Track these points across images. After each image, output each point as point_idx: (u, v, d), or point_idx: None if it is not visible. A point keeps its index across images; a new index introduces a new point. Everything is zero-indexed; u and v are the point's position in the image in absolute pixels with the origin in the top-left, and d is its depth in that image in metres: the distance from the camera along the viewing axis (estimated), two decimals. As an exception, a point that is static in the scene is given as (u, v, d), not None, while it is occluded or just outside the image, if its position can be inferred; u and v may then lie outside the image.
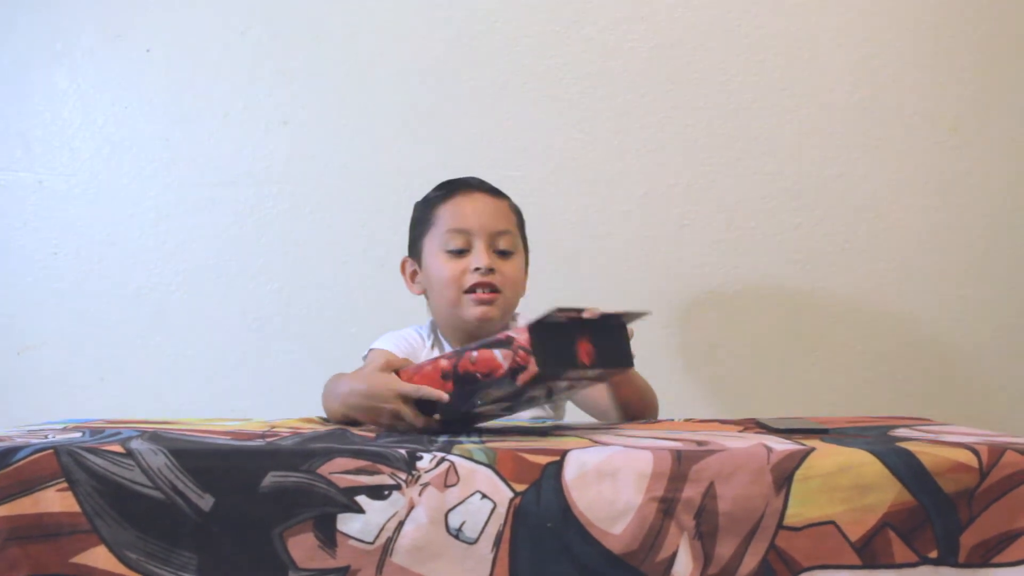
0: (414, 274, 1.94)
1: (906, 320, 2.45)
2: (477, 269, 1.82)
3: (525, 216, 1.99)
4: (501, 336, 1.36)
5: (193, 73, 2.49)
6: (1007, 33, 2.47)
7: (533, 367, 1.33)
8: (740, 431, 1.45)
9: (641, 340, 2.42)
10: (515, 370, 1.34)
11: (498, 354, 1.36)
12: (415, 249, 1.94)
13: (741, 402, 2.41)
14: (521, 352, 1.34)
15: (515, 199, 1.97)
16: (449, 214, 1.89)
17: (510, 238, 1.88)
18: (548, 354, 1.34)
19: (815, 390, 2.45)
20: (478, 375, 1.38)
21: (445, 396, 1.41)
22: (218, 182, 2.47)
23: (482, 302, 1.82)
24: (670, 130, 2.47)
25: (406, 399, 1.44)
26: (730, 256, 2.46)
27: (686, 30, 2.47)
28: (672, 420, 1.76)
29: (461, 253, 1.85)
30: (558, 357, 1.36)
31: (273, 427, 1.49)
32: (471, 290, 1.83)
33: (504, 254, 1.86)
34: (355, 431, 1.45)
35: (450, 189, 1.94)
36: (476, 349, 1.39)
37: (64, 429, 1.44)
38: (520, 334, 1.34)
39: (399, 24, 2.47)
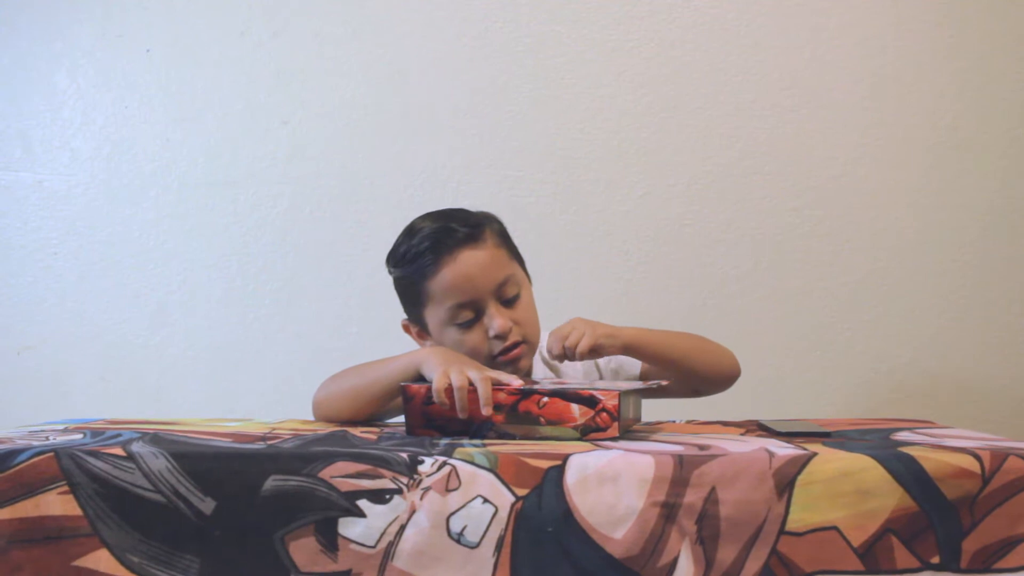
0: (420, 334, 1.77)
1: (906, 320, 2.45)
2: (498, 336, 1.67)
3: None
4: (583, 392, 1.37)
5: (193, 73, 2.49)
6: (1007, 33, 2.47)
7: (614, 431, 1.36)
8: (742, 434, 1.45)
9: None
10: (589, 428, 1.36)
11: (575, 408, 1.37)
12: (415, 318, 1.77)
13: (741, 403, 2.40)
14: (604, 415, 1.36)
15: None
16: (444, 289, 1.68)
17: (512, 281, 1.71)
18: (621, 418, 1.37)
19: (815, 390, 2.45)
20: (541, 419, 1.38)
21: (518, 381, 1.44)
22: (218, 182, 2.48)
23: (511, 360, 1.68)
24: (670, 130, 2.46)
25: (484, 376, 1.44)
26: (730, 256, 2.46)
27: (686, 30, 2.47)
28: (674, 422, 1.76)
29: (472, 323, 1.69)
30: (624, 420, 1.40)
31: (273, 429, 1.49)
32: (497, 352, 1.69)
33: (513, 300, 1.71)
34: (356, 433, 1.45)
35: (433, 257, 1.69)
36: (548, 395, 1.38)
37: (65, 430, 1.44)
38: (608, 398, 1.36)
39: (399, 24, 2.47)
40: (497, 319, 1.67)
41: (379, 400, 1.63)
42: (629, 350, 1.65)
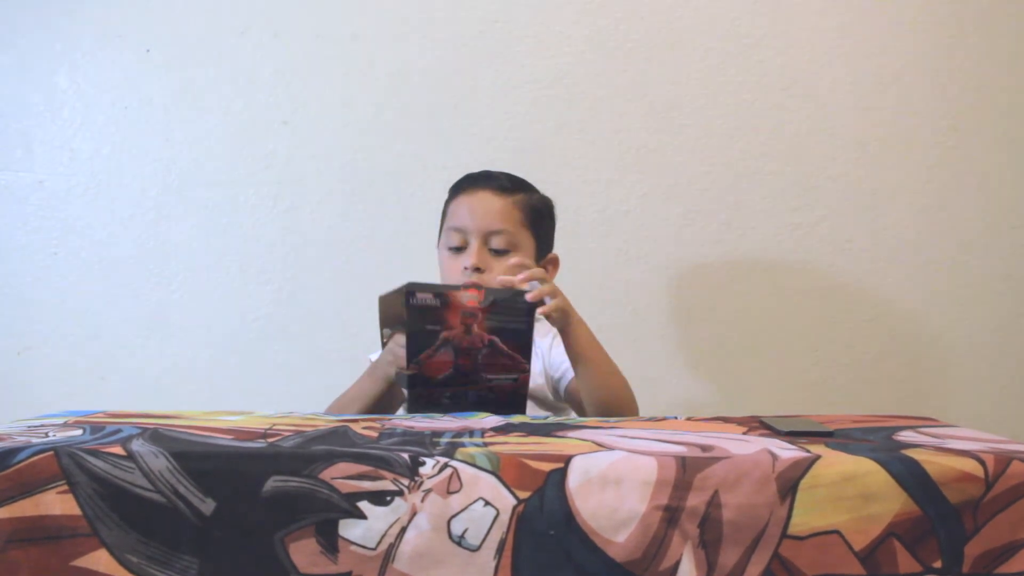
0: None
1: (906, 320, 2.46)
2: (466, 268, 1.91)
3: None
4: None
5: (193, 73, 2.49)
6: (1007, 33, 2.47)
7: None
8: (744, 432, 1.44)
9: (643, 339, 2.44)
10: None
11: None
12: (440, 234, 2.04)
13: (741, 402, 2.41)
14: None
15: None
16: (452, 211, 1.99)
17: (505, 237, 1.94)
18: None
19: (815, 390, 2.45)
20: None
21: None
22: (218, 182, 2.47)
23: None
24: (670, 130, 2.46)
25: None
26: (730, 256, 2.46)
27: (686, 30, 2.47)
28: (675, 419, 1.75)
29: (459, 251, 1.95)
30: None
31: (274, 424, 1.48)
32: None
33: (499, 253, 1.93)
34: (357, 430, 1.45)
35: (463, 184, 2.02)
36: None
37: (64, 424, 1.43)
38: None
39: (399, 24, 2.47)
40: (474, 254, 1.91)
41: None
42: (565, 333, 1.78)
